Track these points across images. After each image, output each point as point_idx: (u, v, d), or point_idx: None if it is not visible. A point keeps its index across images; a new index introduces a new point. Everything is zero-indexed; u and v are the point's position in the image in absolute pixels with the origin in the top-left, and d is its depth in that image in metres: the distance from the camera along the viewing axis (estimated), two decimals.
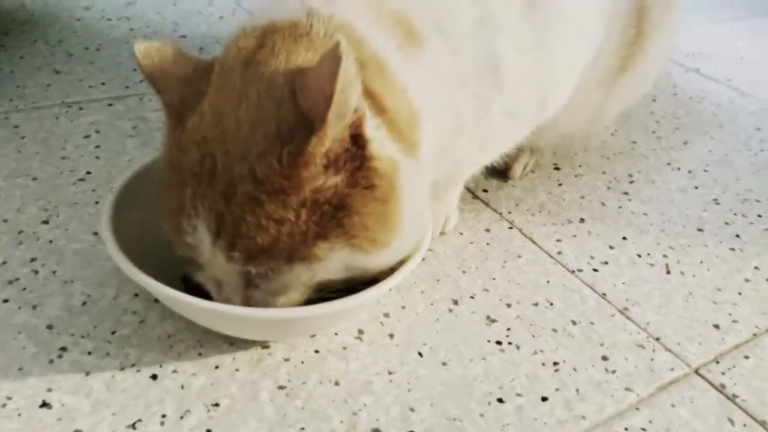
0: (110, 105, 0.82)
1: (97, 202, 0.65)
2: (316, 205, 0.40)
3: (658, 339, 0.57)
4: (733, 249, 0.70)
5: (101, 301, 0.54)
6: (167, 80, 0.44)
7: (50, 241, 0.59)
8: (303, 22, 0.44)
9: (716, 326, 0.59)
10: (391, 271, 0.48)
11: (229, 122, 0.41)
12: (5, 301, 0.52)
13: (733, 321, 0.60)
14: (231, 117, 0.41)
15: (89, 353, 0.49)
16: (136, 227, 0.49)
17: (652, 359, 0.55)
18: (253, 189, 0.40)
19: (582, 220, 0.72)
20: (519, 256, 0.65)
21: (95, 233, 0.61)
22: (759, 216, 0.77)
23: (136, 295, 0.55)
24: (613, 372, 0.53)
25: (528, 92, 0.56)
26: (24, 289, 0.54)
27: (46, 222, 0.61)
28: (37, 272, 0.56)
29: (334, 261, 0.42)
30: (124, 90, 0.86)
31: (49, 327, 0.51)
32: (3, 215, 0.61)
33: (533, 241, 0.67)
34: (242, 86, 0.41)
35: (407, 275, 0.48)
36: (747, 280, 0.66)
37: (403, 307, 0.57)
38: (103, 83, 0.87)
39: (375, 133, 0.42)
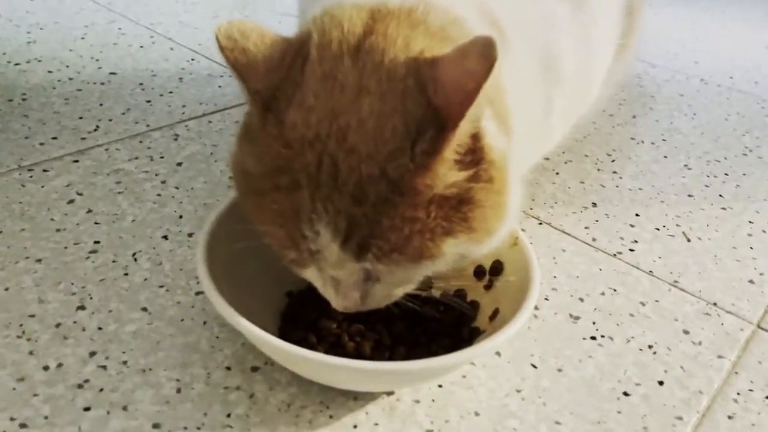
0: (75, 162, 0.73)
1: (126, 274, 0.57)
2: (444, 201, 0.39)
3: (715, 304, 0.61)
4: (724, 208, 0.77)
5: (195, 383, 0.48)
6: (252, 66, 0.40)
7: (99, 329, 0.52)
8: (419, 9, 0.41)
9: (751, 281, 0.65)
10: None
11: (349, 118, 0.38)
12: (87, 409, 0.45)
13: (760, 274, 0.66)
14: (350, 112, 0.38)
15: None
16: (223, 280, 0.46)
17: (722, 324, 0.59)
18: (386, 190, 0.38)
19: (594, 204, 0.75)
20: (563, 250, 0.67)
21: (144, 309, 0.54)
22: (726, 174, 0.85)
23: (228, 368, 0.49)
24: (700, 343, 0.57)
25: (577, 90, 0.57)
26: (101, 390, 0.47)
27: (82, 308, 0.53)
28: (105, 367, 0.48)
29: (454, 254, 0.41)
30: (81, 142, 0.76)
31: (156, 426, 0.45)
32: (26, 310, 0.53)
33: (566, 233, 0.70)
34: (358, 78, 0.38)
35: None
36: (750, 235, 0.73)
37: None
38: (54, 138, 0.76)
39: (489, 124, 0.41)
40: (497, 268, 0.53)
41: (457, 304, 0.51)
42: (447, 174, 0.38)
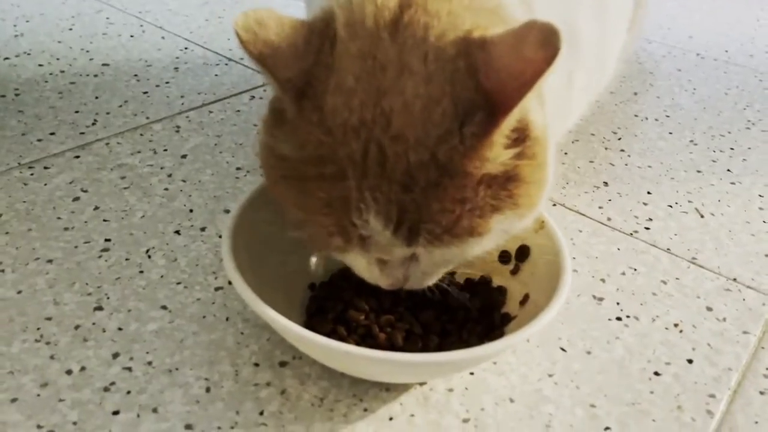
0: (77, 157, 0.71)
1: (142, 272, 0.56)
2: (492, 180, 0.38)
3: (735, 279, 0.61)
4: (733, 183, 0.77)
5: (224, 381, 0.47)
6: (278, 55, 0.38)
7: (119, 329, 0.50)
8: None
9: (767, 255, 0.65)
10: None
11: (393, 101, 0.36)
12: (116, 413, 0.44)
13: None
14: (393, 95, 0.37)
15: None
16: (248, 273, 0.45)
17: (743, 299, 0.59)
18: (436, 175, 0.37)
19: (606, 183, 0.75)
20: (580, 231, 0.66)
21: (164, 307, 0.53)
22: (732, 149, 0.85)
23: (256, 364, 0.48)
24: (724, 320, 0.57)
25: (595, 66, 0.57)
26: (128, 392, 0.45)
27: (99, 308, 0.52)
28: (130, 369, 0.47)
29: (499, 230, 0.41)
30: (80, 137, 0.74)
31: (189, 427, 0.43)
32: (42, 313, 0.51)
33: (581, 213, 0.69)
34: (399, 56, 0.37)
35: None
36: (761, 209, 0.73)
37: None
38: (52, 133, 0.74)
39: (532, 101, 0.39)
40: (524, 252, 0.52)
41: (458, 296, 0.51)
42: (496, 155, 0.37)
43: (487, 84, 0.35)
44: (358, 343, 0.46)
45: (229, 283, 0.55)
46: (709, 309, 0.58)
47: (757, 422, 0.48)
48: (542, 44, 0.33)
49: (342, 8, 0.39)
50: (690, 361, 0.52)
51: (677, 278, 0.61)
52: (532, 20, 0.34)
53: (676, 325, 0.55)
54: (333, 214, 0.38)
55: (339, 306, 0.50)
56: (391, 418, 0.45)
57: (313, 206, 0.39)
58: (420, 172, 0.36)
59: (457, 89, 0.36)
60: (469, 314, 0.50)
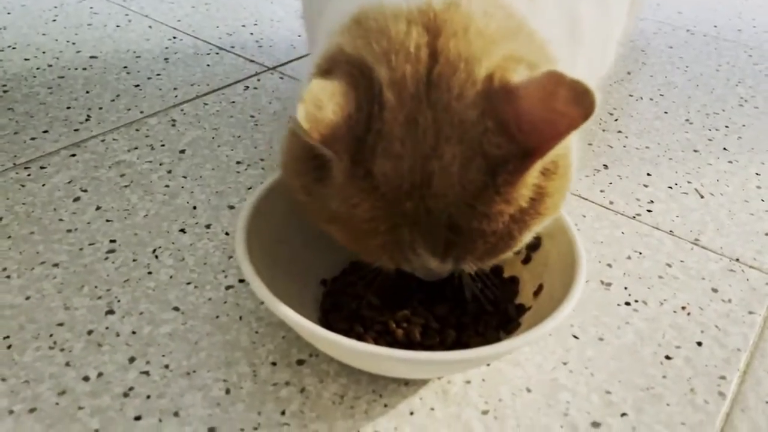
0: (73, 156, 0.69)
1: (150, 273, 0.55)
2: (519, 211, 0.40)
3: (737, 260, 0.62)
4: (730, 162, 0.78)
5: (243, 382, 0.47)
6: (338, 133, 0.38)
7: (133, 332, 0.50)
8: (461, 5, 0.40)
9: (767, 234, 0.66)
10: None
11: (434, 165, 0.39)
12: (137, 418, 0.44)
13: None
14: (433, 161, 0.39)
15: None
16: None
17: (747, 279, 0.60)
18: (477, 221, 0.39)
19: (606, 166, 0.75)
20: (584, 216, 0.67)
21: (176, 308, 0.52)
22: (726, 126, 0.86)
23: (274, 363, 0.48)
24: (729, 301, 0.57)
25: (597, 51, 0.57)
26: (148, 397, 0.45)
27: (111, 312, 0.51)
28: (147, 373, 0.47)
29: (529, 239, 0.43)
30: (75, 134, 0.73)
31: (212, 431, 0.43)
32: (53, 319, 0.50)
33: (584, 198, 0.70)
34: (434, 121, 0.39)
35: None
36: (759, 187, 0.74)
37: None
38: (45, 131, 0.73)
39: None
40: (535, 242, 0.52)
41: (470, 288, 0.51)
42: (527, 188, 0.39)
43: (521, 135, 0.37)
44: (375, 340, 0.46)
45: (240, 281, 0.55)
46: (715, 290, 0.58)
47: None
48: (576, 102, 0.34)
49: (379, 64, 0.39)
50: (699, 344, 0.53)
51: (682, 260, 0.62)
52: (557, 74, 0.34)
53: (683, 308, 0.56)
54: (386, 253, 0.42)
55: (353, 302, 0.50)
56: (411, 413, 0.46)
57: (365, 248, 0.42)
58: (462, 220, 0.39)
59: (487, 148, 0.38)
60: (483, 306, 0.50)
